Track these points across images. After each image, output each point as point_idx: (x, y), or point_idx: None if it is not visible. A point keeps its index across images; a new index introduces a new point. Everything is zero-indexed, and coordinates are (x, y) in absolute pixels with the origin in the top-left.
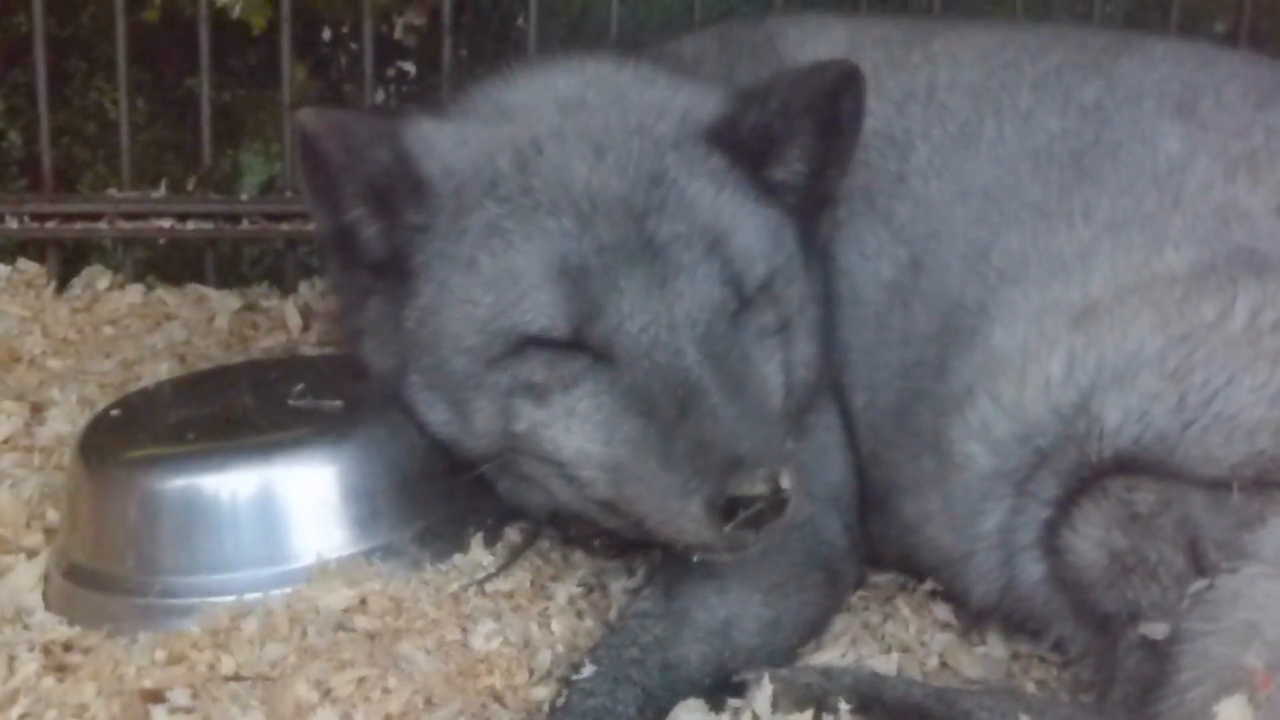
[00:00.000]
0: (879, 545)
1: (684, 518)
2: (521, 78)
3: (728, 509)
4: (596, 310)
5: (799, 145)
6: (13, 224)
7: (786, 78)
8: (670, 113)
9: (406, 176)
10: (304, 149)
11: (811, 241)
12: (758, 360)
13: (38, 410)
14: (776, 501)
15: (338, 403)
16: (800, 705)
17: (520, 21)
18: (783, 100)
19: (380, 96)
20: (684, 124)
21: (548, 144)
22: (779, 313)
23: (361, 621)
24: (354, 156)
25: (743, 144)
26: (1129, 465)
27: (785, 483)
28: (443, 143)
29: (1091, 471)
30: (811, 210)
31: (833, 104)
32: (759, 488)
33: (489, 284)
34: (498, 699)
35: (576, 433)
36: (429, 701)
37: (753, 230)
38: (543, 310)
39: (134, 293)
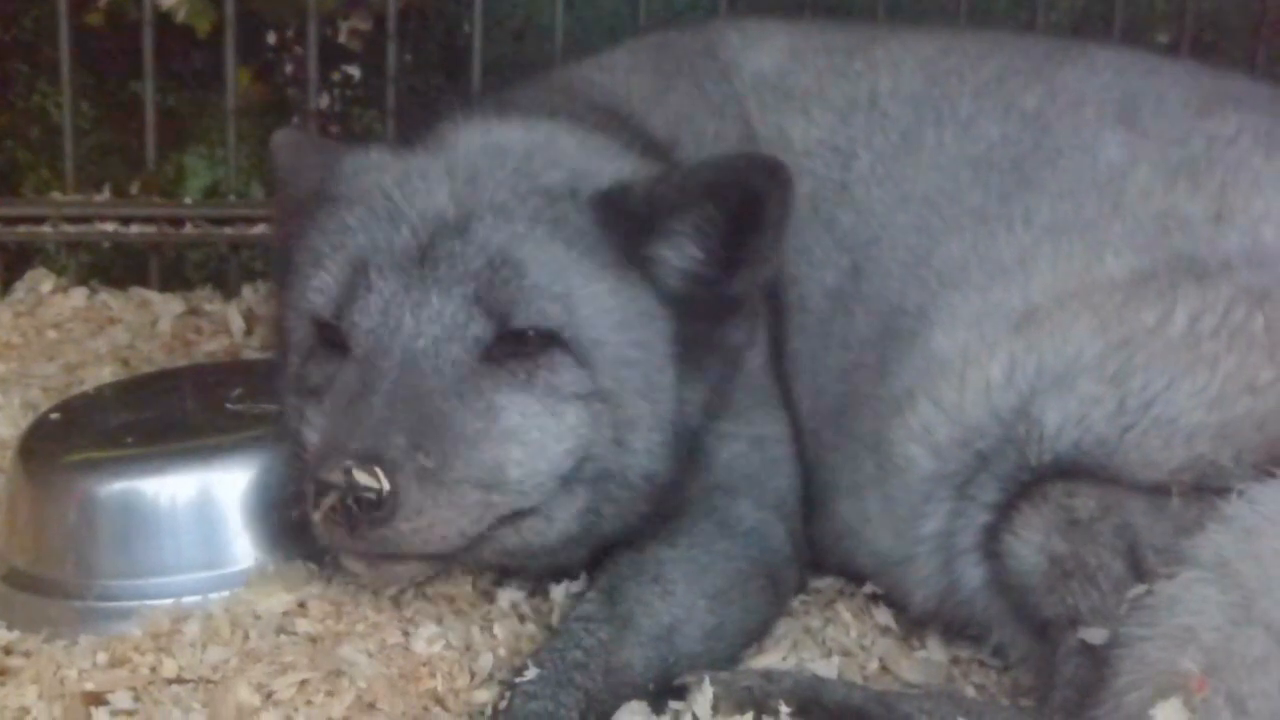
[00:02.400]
0: (817, 548)
1: (307, 502)
2: (470, 123)
3: (317, 494)
4: (351, 300)
5: (691, 224)
6: None
7: (705, 159)
8: (574, 171)
9: (322, 194)
10: (270, 165)
11: (707, 342)
12: (502, 403)
13: None
14: (363, 501)
15: (276, 406)
16: (741, 708)
17: (465, 27)
18: (684, 174)
19: (325, 101)
20: (576, 180)
21: (432, 172)
22: (591, 382)
23: (303, 625)
24: (295, 174)
25: (628, 210)
26: (1069, 469)
27: (365, 479)
28: (365, 168)
29: (1031, 475)
30: (711, 309)
31: (748, 195)
32: (334, 475)
33: (322, 268)
34: (439, 702)
35: (315, 428)
36: (371, 705)
37: (567, 280)
38: (318, 288)
39: (77, 296)
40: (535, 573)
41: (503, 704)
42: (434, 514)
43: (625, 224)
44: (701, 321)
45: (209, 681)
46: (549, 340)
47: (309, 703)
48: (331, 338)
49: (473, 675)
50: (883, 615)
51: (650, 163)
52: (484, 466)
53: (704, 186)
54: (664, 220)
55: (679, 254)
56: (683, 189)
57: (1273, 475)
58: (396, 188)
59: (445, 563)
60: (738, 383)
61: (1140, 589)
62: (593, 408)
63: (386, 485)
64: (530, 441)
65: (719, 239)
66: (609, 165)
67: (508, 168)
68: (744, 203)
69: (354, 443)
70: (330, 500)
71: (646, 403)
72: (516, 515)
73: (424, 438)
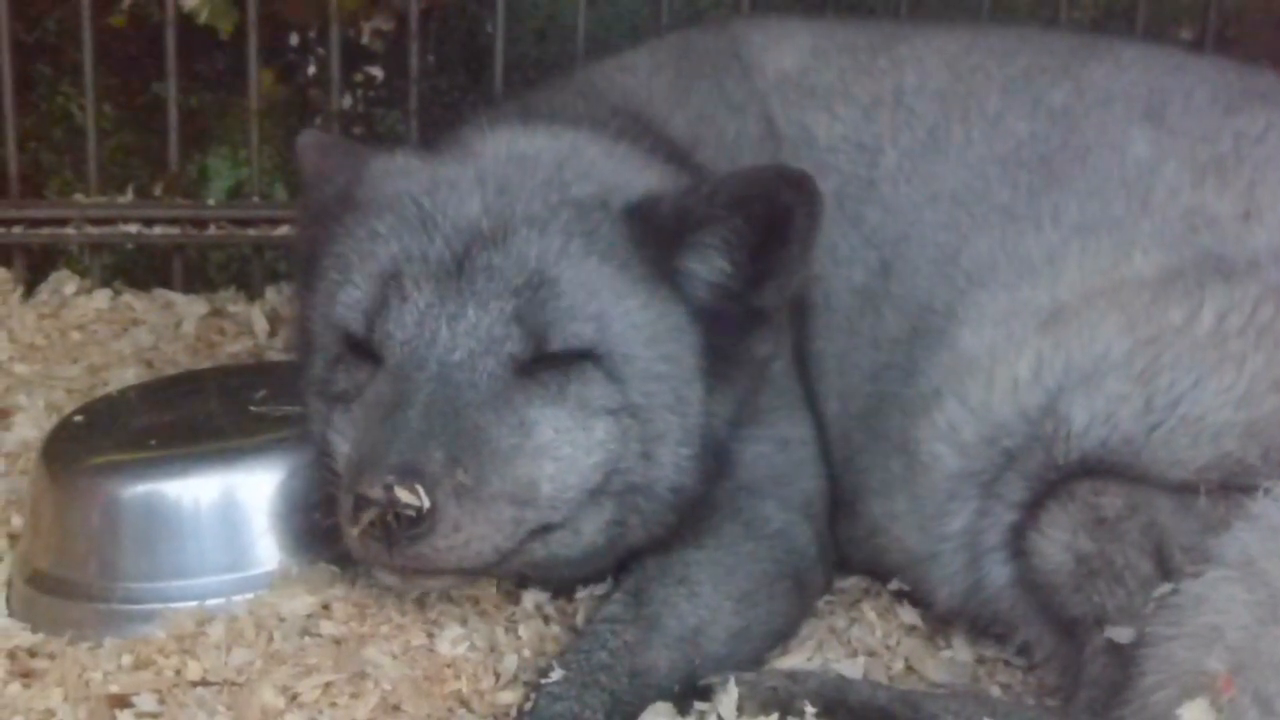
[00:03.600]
0: (846, 547)
1: (343, 516)
2: (495, 130)
3: (356, 509)
4: (384, 312)
5: (719, 237)
6: None
7: (733, 172)
8: (603, 183)
9: (349, 198)
10: (295, 166)
11: (734, 354)
12: (535, 417)
13: (4, 416)
14: (403, 518)
15: (299, 408)
16: (766, 709)
17: (488, 27)
18: (712, 188)
19: (348, 102)
20: (606, 192)
21: (462, 181)
22: (622, 397)
23: (327, 627)
24: (320, 176)
25: (657, 223)
26: (1096, 468)
27: (406, 496)
28: (392, 173)
29: (1058, 474)
30: (737, 321)
31: (776, 208)
32: (375, 491)
33: (351, 282)
34: (464, 704)
35: (344, 436)
36: (395, 707)
37: (601, 298)
38: (348, 305)
39: (101, 298)
40: (558, 582)
41: (528, 705)
42: (471, 530)
43: (655, 237)
44: (729, 334)
45: (233, 684)
46: (581, 355)
47: (333, 705)
48: (362, 348)
49: (497, 677)
50: (908, 614)
51: (675, 169)
52: (518, 482)
53: (732, 200)
54: (692, 234)
55: (707, 267)
56: (711, 202)
57: None
58: (426, 196)
59: (476, 576)
60: (764, 386)
61: (1166, 588)
62: (622, 422)
63: (427, 502)
64: (562, 457)
65: (747, 252)
66: (637, 176)
67: (538, 178)
68: (772, 216)
69: (393, 457)
70: (370, 516)
71: (675, 416)
72: (545, 529)
73: (461, 452)
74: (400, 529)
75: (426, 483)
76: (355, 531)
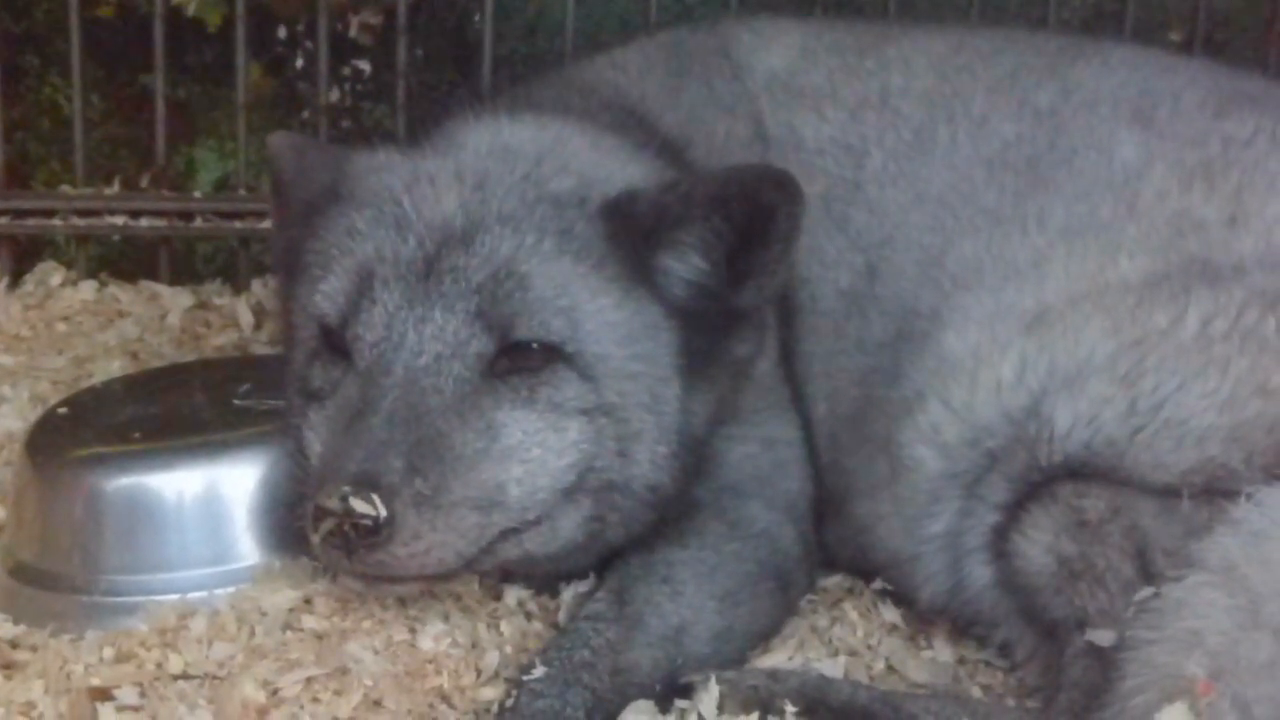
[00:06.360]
0: (833, 547)
1: (306, 523)
2: (480, 122)
3: (315, 518)
4: (356, 311)
5: (697, 235)
6: None
7: (713, 170)
8: (583, 177)
9: (334, 195)
10: (268, 167)
11: (713, 354)
12: (503, 420)
13: None
14: (360, 527)
15: (283, 402)
16: (746, 707)
17: (476, 22)
18: (690, 186)
19: (335, 95)
20: (585, 187)
21: (441, 176)
22: (595, 396)
23: (309, 621)
24: (302, 176)
25: (634, 221)
26: (1079, 470)
27: (362, 507)
28: (375, 170)
29: (1041, 476)
30: (716, 320)
31: (756, 208)
32: (331, 502)
33: (331, 273)
34: (446, 700)
35: (318, 435)
36: (377, 703)
37: (573, 295)
38: (326, 294)
39: (87, 289)
40: (541, 578)
41: (509, 702)
42: (431, 538)
43: (631, 235)
44: (708, 333)
45: (215, 678)
46: (552, 355)
47: (315, 700)
48: (337, 344)
49: (479, 673)
50: (890, 614)
51: (663, 165)
52: (483, 487)
53: (711, 198)
54: (670, 232)
55: (685, 266)
56: (689, 200)
57: None
58: (406, 192)
59: (443, 581)
60: (747, 386)
61: (1147, 592)
62: (596, 421)
63: (383, 511)
64: (531, 459)
65: (725, 251)
66: (620, 170)
67: (516, 173)
68: (753, 216)
69: (351, 466)
70: (328, 525)
71: (651, 415)
72: (516, 530)
73: (422, 460)
74: (358, 538)
75: (384, 492)
76: (315, 539)
